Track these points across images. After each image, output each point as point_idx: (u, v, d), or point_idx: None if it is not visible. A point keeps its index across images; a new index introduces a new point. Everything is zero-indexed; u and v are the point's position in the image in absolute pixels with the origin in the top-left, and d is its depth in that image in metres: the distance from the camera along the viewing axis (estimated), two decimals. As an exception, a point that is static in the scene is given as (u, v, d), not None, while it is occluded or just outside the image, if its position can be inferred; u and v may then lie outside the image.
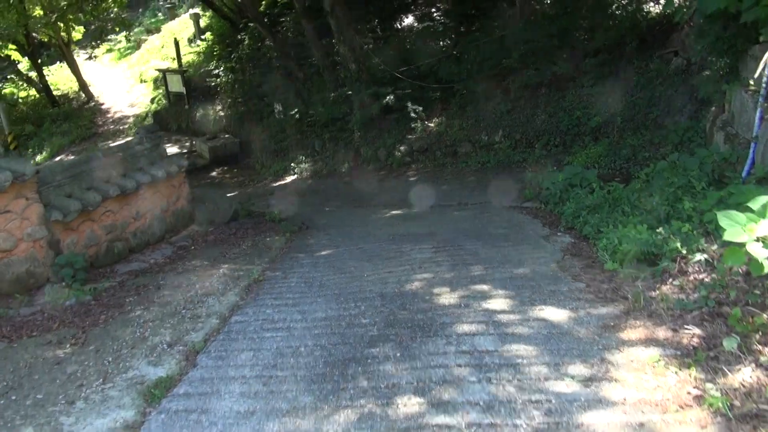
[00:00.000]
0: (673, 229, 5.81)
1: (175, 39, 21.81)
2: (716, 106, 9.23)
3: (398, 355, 4.29)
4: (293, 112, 15.70)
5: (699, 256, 5.05)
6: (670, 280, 5.04)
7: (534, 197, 9.37)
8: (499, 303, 5.13)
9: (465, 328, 4.66)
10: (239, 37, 20.38)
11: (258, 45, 20.16)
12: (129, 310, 5.71)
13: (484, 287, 5.56)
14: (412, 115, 13.97)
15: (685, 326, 4.20)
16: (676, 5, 7.28)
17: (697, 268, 5.05)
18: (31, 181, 6.50)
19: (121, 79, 24.22)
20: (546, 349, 4.17)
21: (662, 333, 4.23)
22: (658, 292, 4.91)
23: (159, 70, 21.17)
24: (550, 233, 7.39)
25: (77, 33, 22.94)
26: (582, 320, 4.62)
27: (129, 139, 8.99)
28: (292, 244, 8.40)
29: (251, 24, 19.38)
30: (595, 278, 5.57)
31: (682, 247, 5.26)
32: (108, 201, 7.53)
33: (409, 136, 13.87)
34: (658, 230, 5.85)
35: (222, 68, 19.98)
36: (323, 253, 7.65)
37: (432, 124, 13.83)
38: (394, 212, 9.99)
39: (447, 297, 5.39)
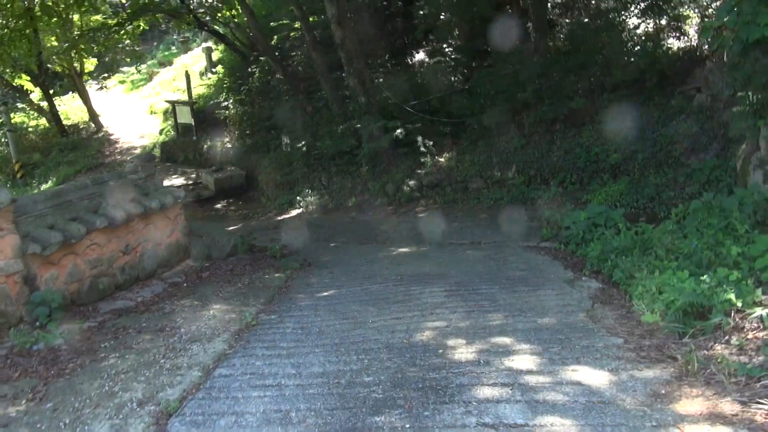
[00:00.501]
0: (719, 277, 5.03)
1: (186, 71, 21.51)
2: (748, 144, 8.50)
3: (407, 427, 3.50)
4: (300, 145, 15.10)
5: (759, 311, 4.26)
6: (725, 338, 4.25)
7: (552, 237, 8.61)
8: (524, 360, 4.33)
9: (486, 392, 3.86)
10: (250, 70, 20.01)
11: (268, 78, 19.75)
12: (102, 358, 4.94)
13: (506, 340, 4.77)
14: (422, 149, 13.33)
15: (758, 400, 3.40)
16: (713, 35, 6.67)
17: (756, 325, 4.26)
18: (6, 209, 5.80)
19: (132, 110, 23.84)
20: (588, 424, 3.37)
21: (728, 407, 3.42)
22: (712, 352, 4.12)
23: (168, 102, 20.76)
24: (574, 277, 6.61)
25: (90, 64, 22.63)
26: (626, 386, 3.81)
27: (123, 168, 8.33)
28: (292, 282, 7.64)
29: (262, 58, 19.02)
30: (633, 332, 4.77)
31: (736, 299, 4.47)
32: (94, 233, 6.82)
33: (419, 171, 13.20)
34: (702, 278, 5.07)
35: (231, 100, 19.55)
36: (325, 294, 6.88)
37: (442, 159, 13.18)
38: (402, 250, 9.25)
39: (463, 351, 4.61)
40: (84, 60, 21.50)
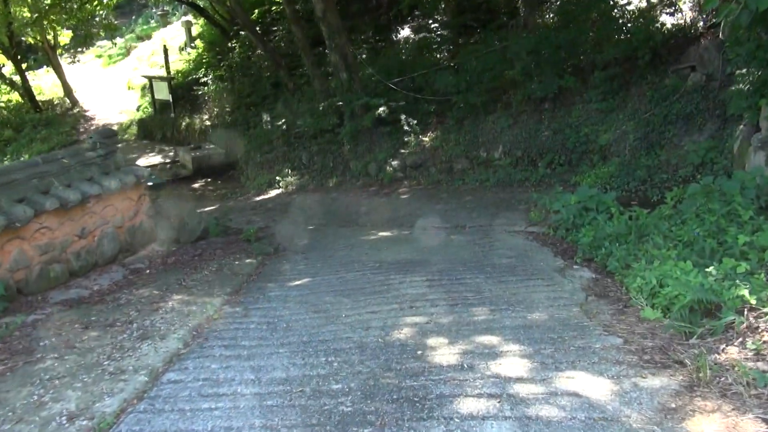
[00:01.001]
0: (725, 269, 4.51)
1: (164, 46, 20.60)
2: (746, 124, 7.99)
3: (378, 451, 2.95)
4: (280, 123, 14.40)
5: (777, 310, 3.75)
6: (739, 339, 3.73)
7: (541, 221, 8.07)
8: (513, 364, 3.79)
9: (470, 405, 3.31)
10: (230, 45, 19.19)
11: (249, 54, 18.95)
12: (38, 359, 4.33)
13: (492, 339, 4.22)
14: (406, 128, 12.69)
15: (786, 420, 2.88)
16: (719, 4, 6.06)
17: (774, 325, 3.75)
18: (-62, 190, 5.15)
19: (109, 85, 22.88)
20: (589, 449, 2.84)
21: (750, 426, 2.91)
22: (725, 356, 3.60)
23: (146, 77, 19.87)
24: (565, 265, 6.07)
25: (64, 37, 21.58)
26: (630, 397, 3.29)
27: (79, 144, 7.63)
28: (263, 269, 7.04)
29: (242, 32, 18.20)
30: (633, 330, 4.24)
31: (750, 295, 3.95)
32: (44, 215, 6.16)
33: (402, 151, 12.58)
34: (708, 270, 4.55)
35: (211, 76, 18.73)
36: (297, 282, 6.29)
37: (426, 139, 12.55)
38: (382, 234, 8.66)
39: (445, 352, 4.05)
40: (58, 32, 20.47)
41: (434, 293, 5.39)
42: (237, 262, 7.28)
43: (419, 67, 13.61)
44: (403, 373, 3.77)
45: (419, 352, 4.08)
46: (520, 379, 3.58)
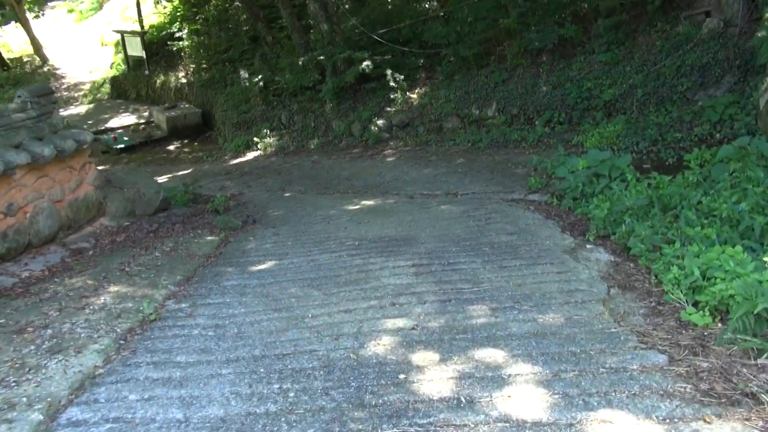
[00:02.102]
0: (788, 258, 3.47)
1: (137, -2, 18.91)
2: (776, 76, 6.89)
3: None
4: (257, 79, 13.07)
5: None
6: (829, 363, 2.70)
7: (542, 187, 6.99)
8: (526, 397, 2.76)
9: (473, 473, 2.29)
10: (205, -4, 17.60)
11: (226, 6, 17.41)
12: None
13: (496, 355, 3.19)
14: (392, 84, 11.45)
15: None
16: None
17: None
18: None
19: (82, 41, 21.23)
20: None
21: None
22: (815, 389, 2.57)
23: (117, 32, 18.29)
24: (576, 244, 5.01)
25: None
26: (696, 460, 2.27)
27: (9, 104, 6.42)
28: (225, 249, 5.94)
29: (218, -18, 16.65)
30: (678, 342, 3.21)
31: (840, 301, 2.92)
32: (-46, 191, 5.01)
33: (388, 109, 11.37)
34: (765, 259, 3.51)
35: (186, 31, 17.21)
36: (261, 267, 5.21)
37: (414, 96, 11.34)
38: (365, 202, 7.56)
39: (435, 377, 3.02)
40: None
41: (422, 284, 4.33)
42: (196, 240, 6.18)
43: (406, 18, 12.27)
44: (379, 412, 2.73)
45: (402, 376, 3.04)
46: (538, 425, 2.56)
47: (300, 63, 12.32)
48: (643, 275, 4.21)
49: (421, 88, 11.39)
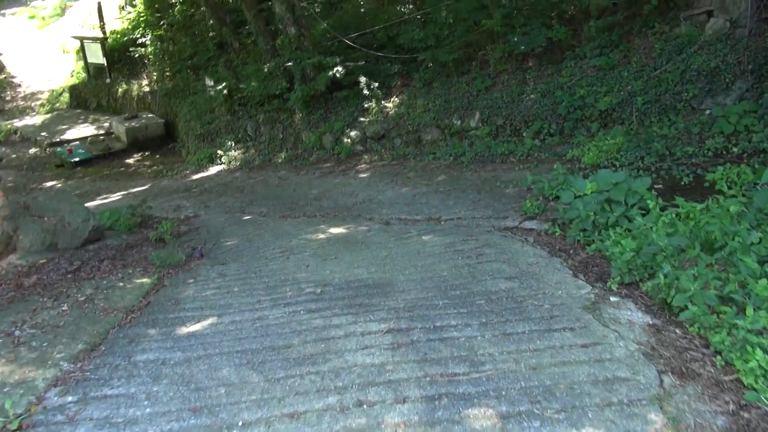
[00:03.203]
0: None
1: (99, 2, 17.42)
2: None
3: None
4: (221, 87, 11.71)
5: None
6: None
7: (540, 213, 5.77)
8: None
9: None
10: (170, 1, 16.18)
11: (192, 11, 16.00)
12: None
13: None
14: (366, 92, 10.20)
15: None
16: None
17: None
18: None
19: (43, 49, 19.59)
20: None
21: None
22: None
23: (77, 38, 16.75)
24: (596, 296, 3.79)
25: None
26: None
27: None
28: (156, 296, 4.62)
29: (183, -14, 15.26)
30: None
31: None
32: None
33: (362, 119, 10.11)
34: None
35: (149, 37, 15.75)
36: (192, 329, 3.90)
37: (390, 105, 10.10)
38: (334, 230, 6.26)
39: None
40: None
41: (400, 365, 3.07)
42: (123, 284, 4.84)
43: (380, 22, 11.03)
44: None
45: None
46: None
47: (266, 70, 11.00)
48: (699, 350, 3.01)
49: (397, 97, 10.16)
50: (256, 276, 4.92)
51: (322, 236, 6.07)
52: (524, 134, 8.51)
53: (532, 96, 8.60)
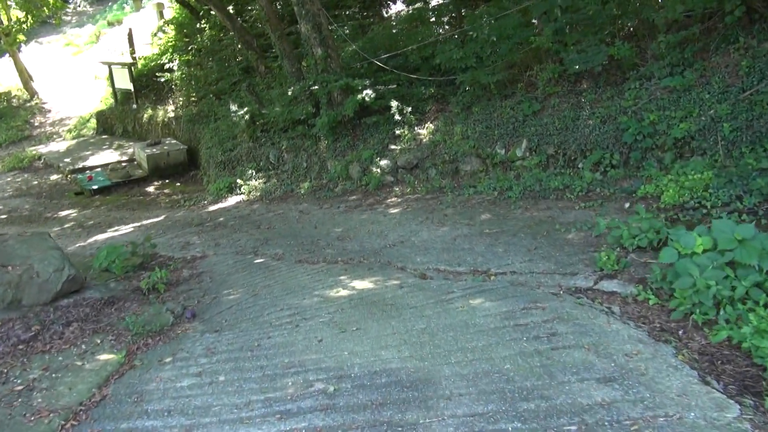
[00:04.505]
0: None
1: (130, 28, 16.75)
2: None
3: None
4: (242, 112, 10.61)
5: None
6: None
7: (621, 270, 4.35)
8: None
9: None
10: (199, 26, 15.36)
11: (220, 36, 15.13)
12: None
13: None
14: (397, 117, 8.93)
15: None
16: None
17: None
18: None
19: (76, 75, 19.01)
20: None
21: None
22: None
23: (105, 63, 16.02)
24: (752, 426, 2.37)
25: (22, 19, 17.65)
26: None
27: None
28: (115, 386, 3.34)
29: (213, 12, 14.36)
30: None
31: None
32: None
33: (393, 147, 8.83)
34: None
35: (176, 62, 14.89)
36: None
37: (424, 131, 8.80)
38: (357, 285, 4.93)
39: None
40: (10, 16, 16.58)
41: None
42: (80, 363, 3.60)
43: (414, 42, 9.80)
44: None
45: None
46: None
47: (290, 93, 9.85)
48: None
49: (432, 123, 8.86)
50: (251, 356, 3.61)
51: (342, 293, 4.74)
52: (580, 165, 7.09)
53: (589, 122, 7.20)
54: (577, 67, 7.43)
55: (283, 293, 4.93)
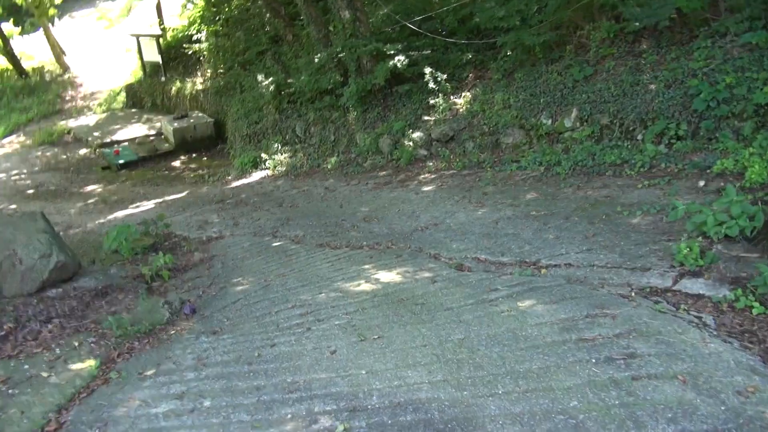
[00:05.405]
0: None
1: (158, 0, 16.02)
2: None
3: None
4: (267, 82, 9.83)
5: None
6: None
7: (707, 264, 3.43)
8: None
9: None
10: (228, -5, 14.52)
11: (248, 5, 14.30)
12: None
13: None
14: (432, 86, 8.01)
15: None
16: None
17: None
18: None
19: (108, 48, 18.52)
20: None
21: None
22: None
23: (133, 35, 15.42)
24: None
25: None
26: None
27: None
28: (77, 410, 2.66)
29: (240, -22, 13.55)
30: None
31: None
32: None
33: (427, 118, 7.93)
34: None
35: (204, 32, 14.15)
36: None
37: (461, 101, 7.86)
38: (382, 276, 4.14)
39: None
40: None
41: None
42: (45, 374, 2.98)
43: (450, 3, 8.78)
44: None
45: None
46: None
47: (316, 61, 9.00)
48: None
49: (469, 91, 7.90)
50: (248, 371, 2.88)
51: (364, 287, 3.97)
52: (639, 137, 6.08)
53: (651, 87, 6.15)
54: (637, 24, 6.35)
55: (298, 285, 4.19)
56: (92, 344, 3.31)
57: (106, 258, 5.64)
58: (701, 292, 3.20)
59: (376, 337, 3.10)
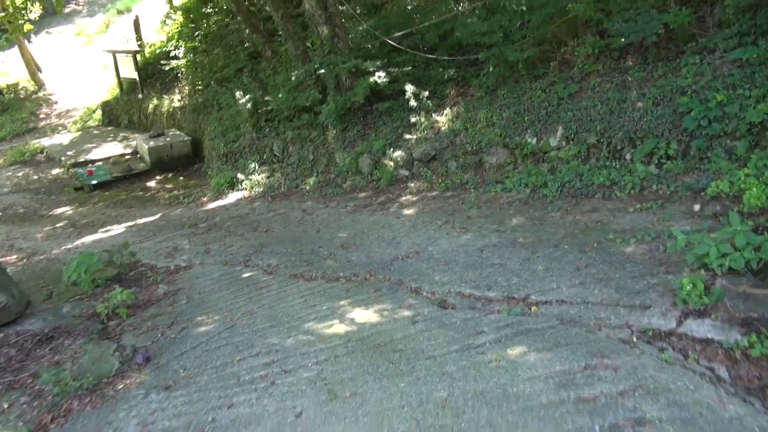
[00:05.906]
0: None
1: (136, 16, 15.62)
2: None
3: None
4: (244, 100, 9.44)
5: None
6: None
7: (712, 302, 3.09)
8: None
9: None
10: (204, 11, 14.16)
11: (227, 21, 13.93)
12: None
13: None
14: (413, 103, 7.68)
15: None
16: None
17: None
18: None
19: (85, 65, 18.02)
20: None
21: None
22: None
23: (109, 51, 14.96)
24: None
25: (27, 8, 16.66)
26: None
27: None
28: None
29: (218, -6, 13.21)
30: None
31: None
32: None
33: (408, 137, 7.58)
34: None
35: (182, 48, 13.74)
36: None
37: (443, 119, 7.53)
38: (358, 316, 3.75)
39: None
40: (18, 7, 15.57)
41: None
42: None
43: (431, 19, 8.48)
44: None
45: None
46: None
47: (293, 78, 8.64)
48: None
49: (451, 109, 7.59)
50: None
51: (338, 329, 3.56)
52: (628, 156, 5.79)
53: (639, 104, 5.87)
54: (623, 39, 6.09)
55: (266, 325, 3.78)
56: (24, 405, 2.87)
57: (64, 291, 5.18)
58: (710, 335, 2.85)
59: (348, 394, 2.70)
